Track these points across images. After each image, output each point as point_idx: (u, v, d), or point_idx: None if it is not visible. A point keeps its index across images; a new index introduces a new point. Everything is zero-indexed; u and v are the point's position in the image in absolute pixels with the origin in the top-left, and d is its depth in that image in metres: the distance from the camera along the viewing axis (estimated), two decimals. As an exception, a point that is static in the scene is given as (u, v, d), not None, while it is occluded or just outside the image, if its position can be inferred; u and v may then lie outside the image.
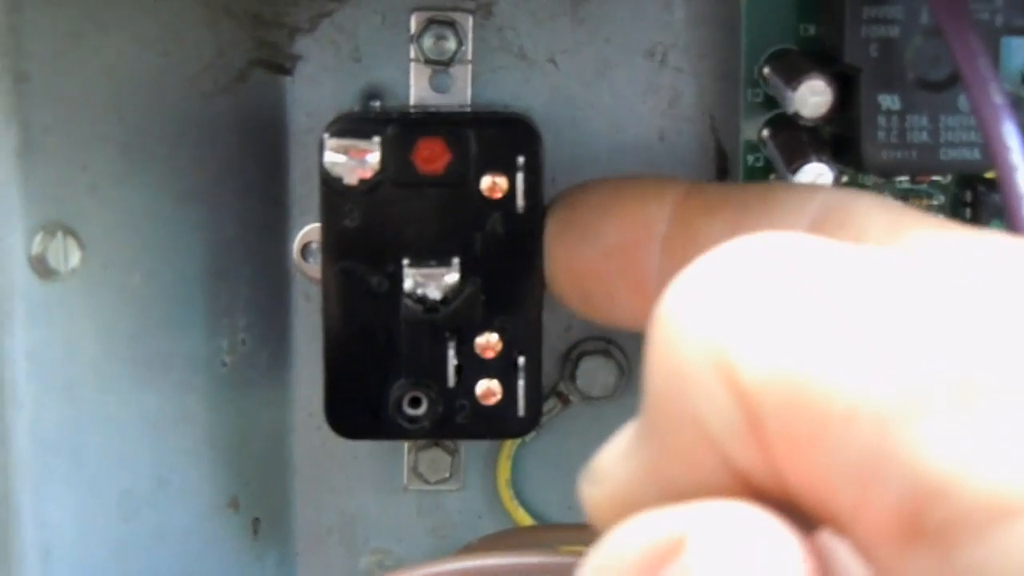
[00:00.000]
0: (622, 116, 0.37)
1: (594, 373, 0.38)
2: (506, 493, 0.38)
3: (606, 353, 0.38)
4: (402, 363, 0.34)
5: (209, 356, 0.36)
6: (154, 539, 0.35)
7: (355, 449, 0.38)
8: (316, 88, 0.37)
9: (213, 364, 0.36)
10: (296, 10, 0.37)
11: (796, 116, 0.32)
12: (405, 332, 0.34)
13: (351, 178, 0.33)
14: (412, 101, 0.37)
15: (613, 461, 0.21)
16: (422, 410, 0.34)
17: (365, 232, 0.33)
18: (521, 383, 0.34)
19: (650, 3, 0.37)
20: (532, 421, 0.34)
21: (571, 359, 0.38)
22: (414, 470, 0.38)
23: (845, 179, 0.35)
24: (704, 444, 0.18)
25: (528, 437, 0.38)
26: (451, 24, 0.36)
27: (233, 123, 0.36)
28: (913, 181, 0.35)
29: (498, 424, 0.34)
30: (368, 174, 0.33)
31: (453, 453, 0.38)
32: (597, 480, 0.21)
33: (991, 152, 0.26)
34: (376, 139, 0.33)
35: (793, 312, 0.18)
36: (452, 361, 0.34)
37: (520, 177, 0.33)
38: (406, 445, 0.38)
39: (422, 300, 0.33)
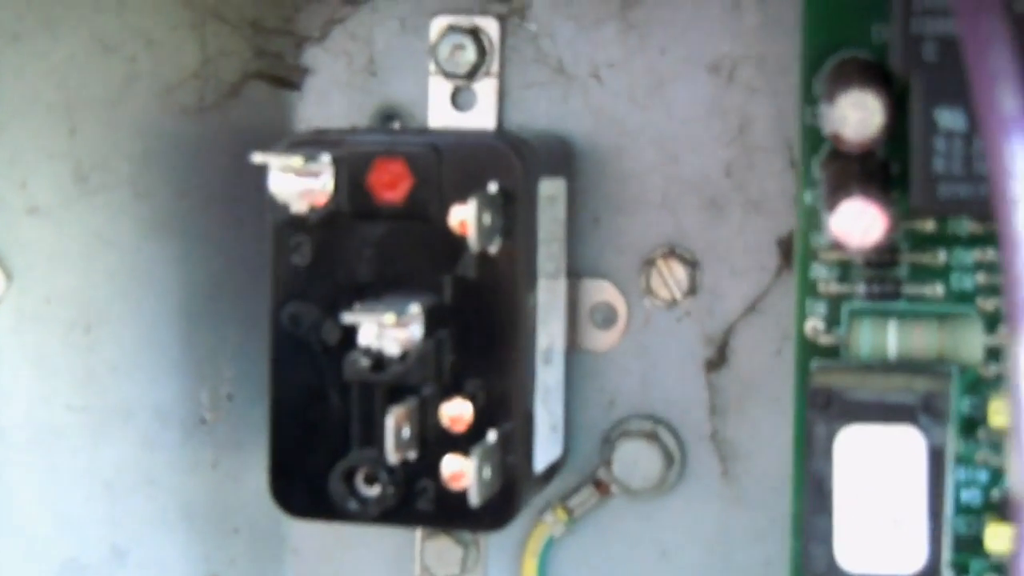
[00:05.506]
0: (680, 144, 0.30)
1: (634, 460, 0.31)
2: (532, 597, 0.32)
3: (651, 436, 0.31)
4: (353, 431, 0.28)
5: (183, 410, 0.32)
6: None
7: (362, 529, 0.33)
8: (325, 106, 0.32)
9: (188, 420, 0.32)
10: (304, 15, 0.32)
11: (836, 138, 0.24)
12: (356, 393, 0.28)
13: (299, 205, 0.28)
14: (430, 120, 0.31)
15: None
16: (376, 490, 0.28)
17: (316, 271, 0.28)
18: (491, 464, 0.27)
19: (715, 6, 0.30)
20: (504, 513, 0.28)
21: (610, 441, 0.31)
22: (422, 562, 0.32)
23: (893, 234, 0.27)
24: None
25: (557, 532, 0.32)
26: (472, 32, 0.30)
27: (222, 143, 0.32)
28: (984, 225, 0.27)
29: (467, 513, 0.27)
30: (319, 201, 0.28)
31: (467, 545, 0.32)
32: None
33: (990, 173, 0.18)
34: (326, 158, 0.27)
35: None
36: (403, 432, 0.27)
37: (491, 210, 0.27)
38: (418, 530, 0.32)
39: (379, 356, 0.27)
